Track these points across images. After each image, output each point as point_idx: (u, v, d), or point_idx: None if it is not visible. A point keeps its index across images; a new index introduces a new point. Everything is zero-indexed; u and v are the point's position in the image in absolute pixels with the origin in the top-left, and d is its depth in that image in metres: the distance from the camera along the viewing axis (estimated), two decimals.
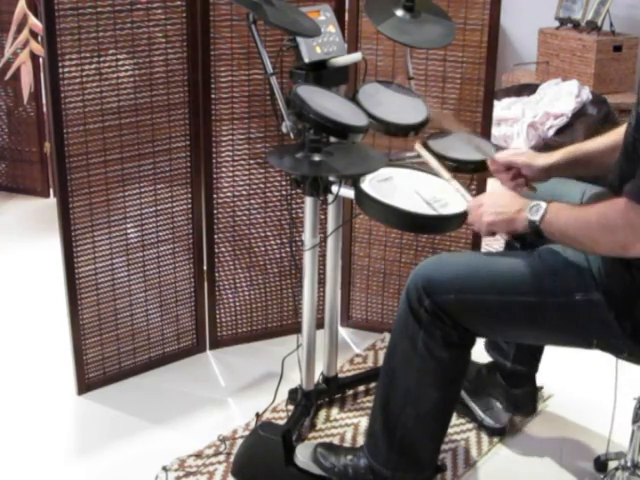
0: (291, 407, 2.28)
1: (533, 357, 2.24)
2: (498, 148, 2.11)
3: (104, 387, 2.46)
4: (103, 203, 2.34)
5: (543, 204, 1.64)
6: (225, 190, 2.53)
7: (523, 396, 2.28)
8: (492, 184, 1.95)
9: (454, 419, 2.24)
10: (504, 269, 1.75)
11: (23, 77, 3.51)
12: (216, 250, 2.58)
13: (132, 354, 2.52)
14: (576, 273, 1.69)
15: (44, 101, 3.48)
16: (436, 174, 2.01)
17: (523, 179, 1.93)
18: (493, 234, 1.76)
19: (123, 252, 2.41)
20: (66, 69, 2.18)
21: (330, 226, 2.22)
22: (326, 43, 2.08)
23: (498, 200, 1.75)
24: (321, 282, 2.55)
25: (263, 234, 2.62)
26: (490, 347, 2.29)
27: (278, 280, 2.69)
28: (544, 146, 3.84)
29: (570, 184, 1.98)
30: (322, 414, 2.33)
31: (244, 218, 2.58)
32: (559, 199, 1.73)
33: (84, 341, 2.40)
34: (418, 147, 2.03)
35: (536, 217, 1.64)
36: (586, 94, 4.04)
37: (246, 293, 2.67)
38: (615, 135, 1.86)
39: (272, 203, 2.60)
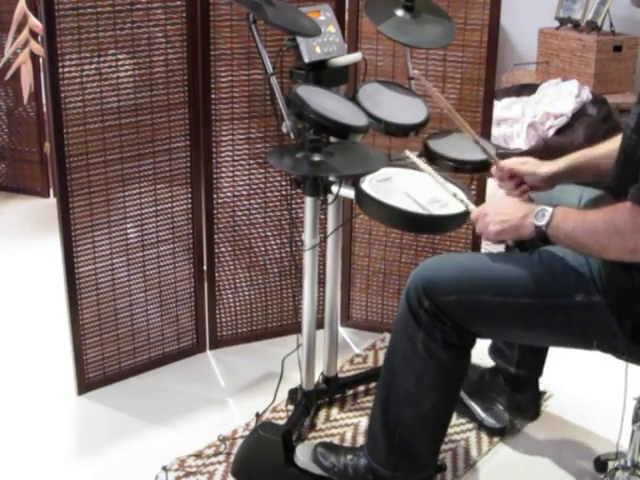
0: (291, 407, 2.28)
1: (537, 362, 2.24)
2: (498, 149, 2.11)
3: (104, 387, 2.46)
4: (103, 203, 2.34)
5: (549, 209, 1.63)
6: (225, 190, 2.54)
7: (526, 401, 2.28)
8: (496, 193, 1.94)
9: (454, 419, 2.24)
10: (504, 271, 1.75)
11: (23, 77, 3.51)
12: (216, 250, 2.58)
13: (132, 354, 2.52)
14: (576, 275, 1.68)
15: (44, 101, 3.48)
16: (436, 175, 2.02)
17: (527, 187, 1.93)
18: (502, 242, 1.76)
19: (123, 252, 2.41)
20: (66, 69, 2.18)
21: (330, 226, 2.22)
22: (326, 43, 2.08)
23: (502, 208, 1.73)
24: (321, 282, 2.55)
25: (263, 234, 2.62)
26: (494, 352, 2.29)
27: (278, 280, 2.69)
28: (544, 146, 3.84)
29: (567, 188, 1.98)
30: (322, 414, 2.33)
31: (244, 218, 2.58)
32: (557, 203, 1.72)
33: (84, 341, 2.40)
34: (410, 154, 2.02)
35: (542, 222, 1.62)
36: (586, 94, 4.04)
37: (246, 293, 2.67)
38: (616, 141, 1.85)
39: (272, 203, 2.60)
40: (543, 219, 1.63)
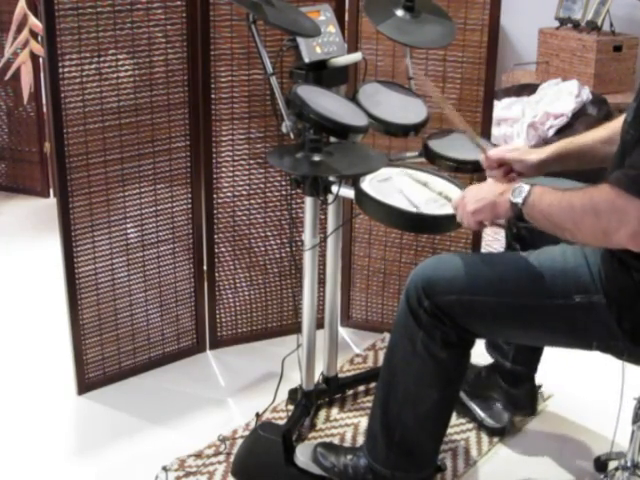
0: (291, 407, 2.28)
1: (533, 358, 2.24)
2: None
3: (104, 387, 2.46)
4: (103, 203, 2.34)
5: (526, 186, 1.60)
6: (225, 190, 2.54)
7: (523, 396, 2.28)
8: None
9: (454, 419, 2.24)
10: (504, 271, 1.75)
11: (23, 77, 3.51)
12: (216, 250, 2.58)
13: (132, 354, 2.52)
14: (576, 275, 1.68)
15: (44, 101, 3.48)
16: (435, 174, 2.02)
17: (515, 175, 1.91)
18: (481, 224, 1.73)
19: (123, 252, 2.41)
20: (66, 69, 2.18)
21: (330, 226, 2.22)
22: (326, 43, 2.08)
23: (480, 189, 1.72)
24: (321, 282, 2.55)
25: (263, 234, 2.62)
26: (490, 347, 2.29)
27: (278, 280, 2.69)
28: (544, 146, 3.83)
29: (561, 183, 1.97)
30: (322, 414, 2.34)
31: (244, 218, 2.58)
32: None
33: (84, 341, 2.40)
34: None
35: (519, 199, 1.59)
36: (586, 94, 4.04)
37: (246, 293, 2.67)
38: (606, 129, 1.85)
39: (272, 203, 2.60)
40: (520, 196, 1.60)
